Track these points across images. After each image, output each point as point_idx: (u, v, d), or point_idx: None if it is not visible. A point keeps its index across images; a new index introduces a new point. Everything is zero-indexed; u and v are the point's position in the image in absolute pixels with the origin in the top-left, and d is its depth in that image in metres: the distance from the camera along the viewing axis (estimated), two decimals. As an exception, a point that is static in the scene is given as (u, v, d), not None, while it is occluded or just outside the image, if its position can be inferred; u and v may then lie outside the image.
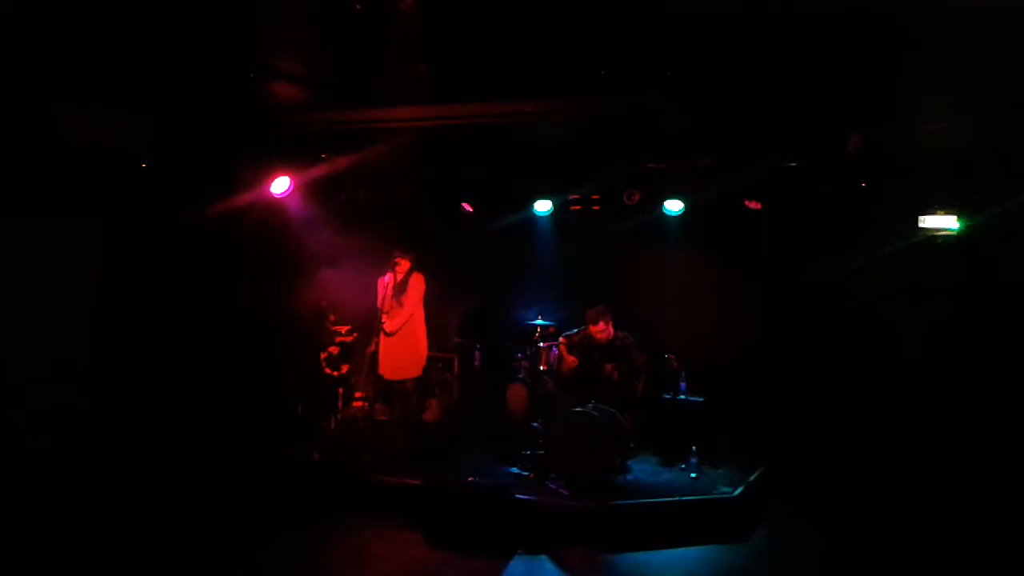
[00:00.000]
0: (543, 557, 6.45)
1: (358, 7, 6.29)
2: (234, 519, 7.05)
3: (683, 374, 8.60)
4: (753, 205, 8.97)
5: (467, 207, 10.29)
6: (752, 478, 7.71)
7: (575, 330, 8.39)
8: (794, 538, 7.11)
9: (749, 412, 8.91)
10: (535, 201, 9.89)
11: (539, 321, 8.87)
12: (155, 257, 8.25)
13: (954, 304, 8.53)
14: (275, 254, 9.38)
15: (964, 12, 5.33)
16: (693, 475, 7.74)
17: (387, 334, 8.55)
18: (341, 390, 9.60)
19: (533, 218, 10.19)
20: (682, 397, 8.54)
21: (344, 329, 9.59)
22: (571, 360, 8.30)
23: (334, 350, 9.51)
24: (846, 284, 9.04)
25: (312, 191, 9.30)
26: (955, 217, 8.19)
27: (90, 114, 7.25)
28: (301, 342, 9.48)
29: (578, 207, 9.98)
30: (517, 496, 6.82)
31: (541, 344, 8.70)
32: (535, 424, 8.13)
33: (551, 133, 8.49)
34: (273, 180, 8.75)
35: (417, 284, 8.63)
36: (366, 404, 9.51)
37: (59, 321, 7.47)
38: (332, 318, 9.59)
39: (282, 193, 8.87)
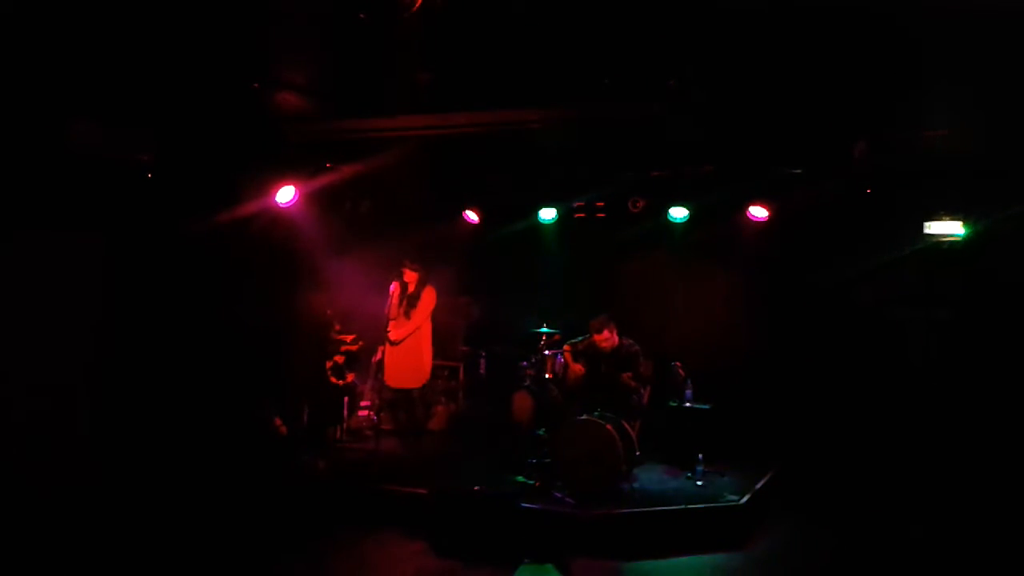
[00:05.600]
0: (549, 566, 6.41)
1: (362, 16, 6.31)
2: (240, 528, 7.04)
3: (689, 381, 8.58)
4: (758, 212, 8.97)
5: (472, 215, 10.30)
6: (759, 485, 7.68)
7: (580, 338, 8.38)
8: (801, 546, 7.08)
9: (755, 419, 8.89)
10: (540, 209, 9.89)
11: (544, 329, 8.86)
12: (159, 266, 8.26)
13: (959, 310, 8.51)
14: (280, 263, 9.39)
15: (970, 18, 5.33)
16: (699, 483, 7.72)
17: (392, 343, 8.56)
18: (346, 399, 9.61)
19: (538, 226, 10.20)
20: (688, 404, 8.52)
21: (349, 338, 9.60)
22: (577, 368, 8.28)
23: (339, 359, 9.51)
24: (851, 290, 9.03)
25: (317, 200, 9.31)
26: (960, 223, 8.18)
27: (95, 124, 7.27)
28: (306, 351, 9.48)
29: (583, 214, 9.98)
30: (523, 505, 6.80)
31: (546, 352, 8.68)
32: (540, 432, 8.11)
33: (555, 141, 8.50)
34: (278, 189, 8.76)
35: (429, 298, 8.65)
36: (371, 413, 9.53)
37: (61, 329, 7.48)
38: (337, 327, 9.60)
39: (287, 202, 8.88)
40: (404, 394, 8.90)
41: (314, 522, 7.22)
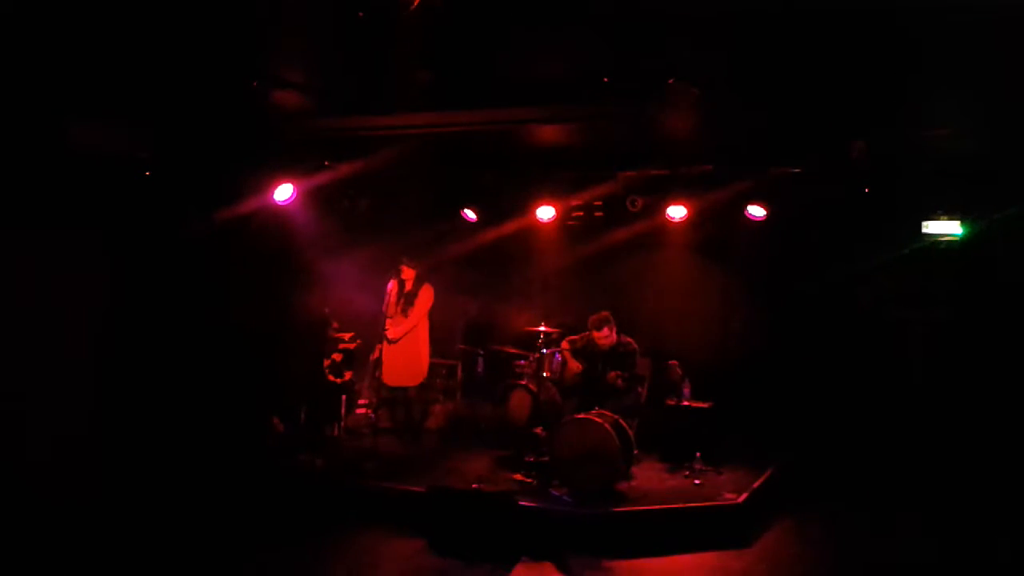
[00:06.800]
0: (547, 564, 6.43)
1: (361, 15, 6.31)
2: (238, 527, 7.04)
3: (686, 380, 8.58)
4: (756, 211, 8.97)
5: (470, 213, 10.30)
6: (757, 484, 7.68)
7: (578, 336, 8.39)
8: (799, 544, 7.09)
9: (753, 418, 8.91)
10: (538, 207, 9.89)
11: (542, 328, 8.86)
12: (158, 264, 8.26)
13: (957, 309, 8.53)
14: (278, 261, 9.38)
15: (970, 18, 5.34)
16: (697, 481, 7.72)
17: (390, 341, 8.56)
18: (344, 397, 9.60)
19: (536, 224, 10.19)
20: (686, 403, 8.53)
21: (347, 336, 9.59)
22: (575, 366, 8.29)
23: (337, 357, 9.50)
24: (850, 290, 9.04)
25: (315, 198, 9.31)
26: (958, 222, 8.19)
27: (93, 122, 7.26)
28: (304, 349, 9.47)
29: (581, 213, 9.97)
30: (521, 503, 6.81)
31: (544, 350, 8.68)
32: (538, 431, 8.12)
33: (554, 140, 8.51)
34: (276, 187, 8.76)
35: (426, 296, 8.66)
36: (369, 411, 9.53)
37: (61, 327, 7.48)
38: (335, 325, 9.59)
39: (285, 200, 8.88)
40: (402, 392, 8.91)
41: (312, 520, 7.21)
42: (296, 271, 9.54)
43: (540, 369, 8.69)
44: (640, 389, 8.18)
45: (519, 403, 9.06)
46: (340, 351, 9.53)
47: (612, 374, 7.91)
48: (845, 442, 8.59)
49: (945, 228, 8.25)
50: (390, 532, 6.98)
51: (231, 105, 7.70)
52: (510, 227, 10.27)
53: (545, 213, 9.92)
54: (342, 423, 9.56)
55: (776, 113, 7.37)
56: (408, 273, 8.69)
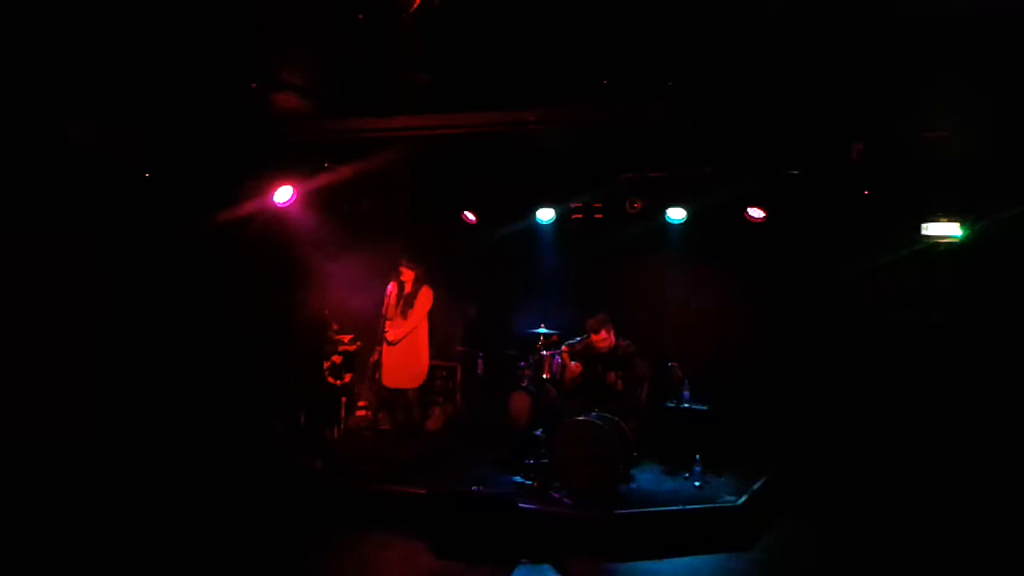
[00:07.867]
0: (546, 566, 6.42)
1: (361, 17, 6.32)
2: (237, 529, 7.03)
3: (686, 382, 8.58)
4: (756, 213, 8.97)
5: (469, 216, 10.30)
6: (756, 486, 7.68)
7: (577, 339, 8.38)
8: (798, 547, 7.08)
9: (753, 420, 8.89)
10: (537, 209, 9.88)
11: (542, 329, 8.85)
12: (158, 265, 8.26)
13: (957, 311, 8.52)
14: (278, 263, 9.38)
15: (970, 19, 5.34)
16: (697, 484, 7.71)
17: (389, 343, 8.55)
18: (344, 399, 9.59)
19: (535, 226, 10.19)
20: (686, 405, 8.52)
21: (347, 338, 9.59)
22: (574, 368, 8.28)
23: (337, 359, 9.50)
24: (849, 292, 9.04)
25: (315, 200, 9.31)
26: (958, 224, 8.18)
27: (93, 124, 7.27)
28: (304, 351, 9.47)
29: (580, 215, 9.97)
30: (520, 505, 6.80)
31: (544, 352, 8.68)
32: (538, 433, 8.11)
33: (553, 142, 8.51)
34: (276, 189, 8.76)
35: (425, 298, 8.63)
36: (369, 413, 9.52)
37: (61, 327, 7.48)
38: (335, 327, 9.59)
39: (285, 202, 8.88)
40: (401, 394, 8.89)
41: (312, 522, 7.21)
42: (296, 273, 9.54)
43: (540, 371, 8.68)
44: (640, 391, 8.17)
45: (519, 405, 9.06)
46: (340, 353, 9.53)
47: (611, 375, 7.91)
48: (845, 444, 8.57)
49: (944, 230, 8.24)
50: (390, 534, 6.97)
51: (231, 107, 7.71)
52: (510, 229, 10.27)
53: (544, 215, 9.92)
54: (342, 425, 9.56)
55: (776, 115, 7.37)
56: (408, 275, 8.66)
